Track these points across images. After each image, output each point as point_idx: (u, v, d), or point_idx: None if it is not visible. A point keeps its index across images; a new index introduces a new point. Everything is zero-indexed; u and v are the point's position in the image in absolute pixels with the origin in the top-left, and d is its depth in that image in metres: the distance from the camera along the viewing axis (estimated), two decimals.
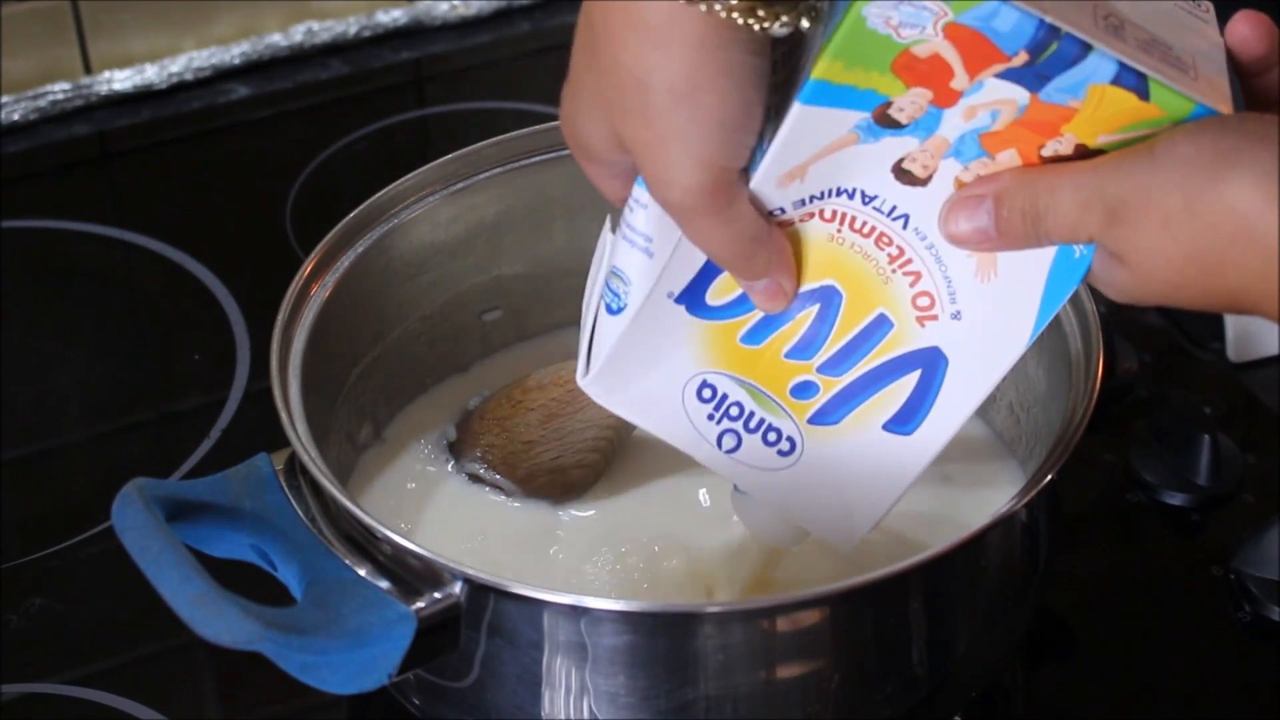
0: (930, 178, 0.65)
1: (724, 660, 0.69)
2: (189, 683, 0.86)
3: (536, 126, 0.88)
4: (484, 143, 0.88)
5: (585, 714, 0.71)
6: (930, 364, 0.69)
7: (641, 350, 0.70)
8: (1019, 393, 0.84)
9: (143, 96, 1.27)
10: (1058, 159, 0.63)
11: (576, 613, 0.69)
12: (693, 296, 0.69)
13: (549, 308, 0.93)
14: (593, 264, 0.73)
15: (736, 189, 0.65)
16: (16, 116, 1.23)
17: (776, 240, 0.67)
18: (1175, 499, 0.91)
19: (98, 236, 1.15)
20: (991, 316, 0.67)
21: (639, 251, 0.68)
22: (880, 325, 0.69)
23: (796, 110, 0.63)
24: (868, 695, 0.72)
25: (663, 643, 0.69)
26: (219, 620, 0.66)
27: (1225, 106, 0.61)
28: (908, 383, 0.69)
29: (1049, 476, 0.71)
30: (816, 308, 0.69)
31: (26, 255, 1.14)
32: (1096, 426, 0.74)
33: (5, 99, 1.23)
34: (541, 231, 0.91)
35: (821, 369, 0.70)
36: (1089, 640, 0.86)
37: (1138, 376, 0.98)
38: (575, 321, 0.92)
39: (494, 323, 0.92)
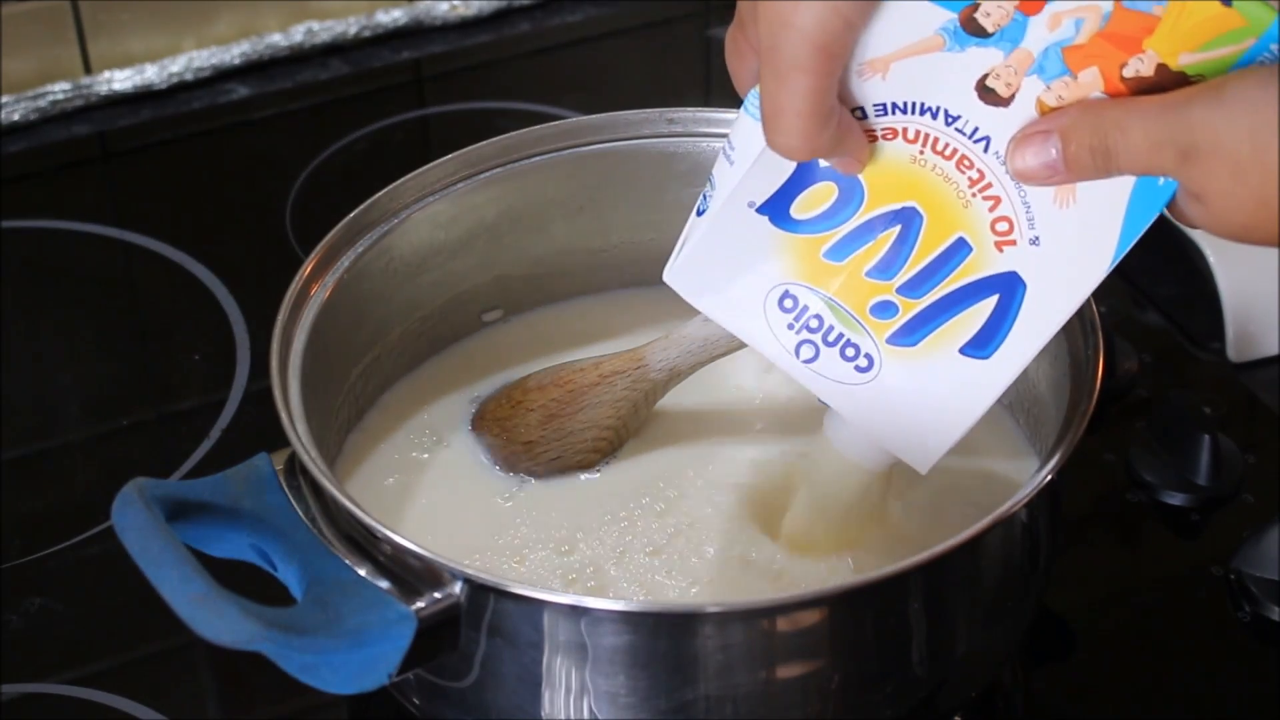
0: (1013, 97, 0.66)
1: (724, 660, 0.69)
2: (189, 683, 0.86)
3: (536, 126, 0.88)
4: (484, 143, 0.88)
5: (585, 714, 0.71)
6: (1008, 289, 0.70)
7: (724, 254, 0.72)
8: (1019, 393, 0.84)
9: (143, 96, 1.27)
10: (1138, 80, 0.64)
11: (576, 613, 0.69)
12: (777, 208, 0.71)
13: (549, 308, 0.93)
14: None
15: (843, 59, 0.65)
16: (16, 116, 1.23)
17: (846, 124, 0.67)
18: (1175, 499, 0.91)
19: (98, 236, 1.15)
20: (1071, 242, 0.68)
21: (724, 159, 0.71)
22: (959, 249, 0.70)
23: None
24: (868, 695, 0.72)
25: (663, 643, 0.69)
26: (219, 620, 0.65)
27: None
28: (985, 307, 0.70)
29: (1049, 476, 0.71)
30: (898, 229, 0.70)
31: (26, 255, 1.14)
32: (1096, 426, 0.74)
33: (5, 99, 1.23)
34: (541, 231, 0.91)
35: (901, 290, 0.71)
36: (1089, 640, 0.86)
37: (1138, 376, 0.98)
38: (577, 326, 0.93)
39: (494, 323, 0.92)
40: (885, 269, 0.71)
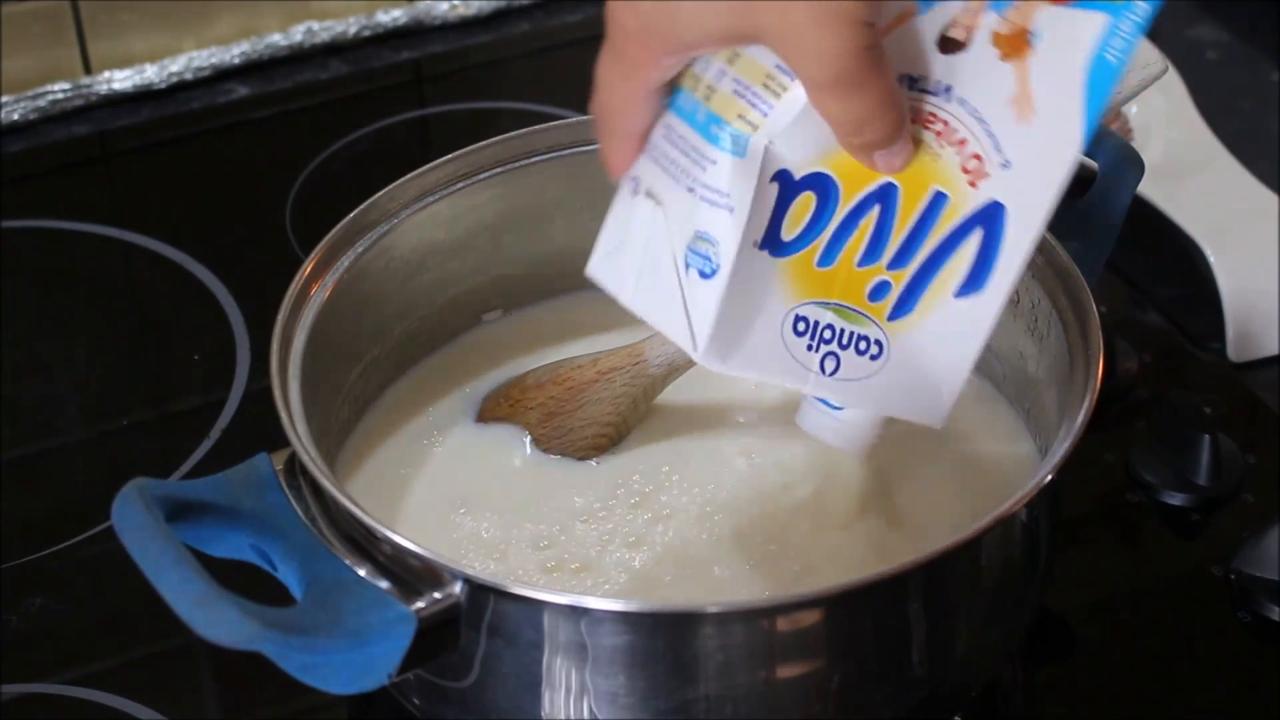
0: (970, 39, 0.66)
1: (724, 660, 0.69)
2: (189, 683, 0.86)
3: (536, 126, 0.88)
4: (484, 143, 0.88)
5: (585, 714, 0.71)
6: (990, 218, 0.68)
7: (740, 306, 0.70)
8: (1020, 391, 0.84)
9: (143, 96, 1.27)
10: None
11: (576, 613, 0.69)
12: (771, 238, 0.70)
13: (549, 308, 0.93)
14: (612, 233, 0.73)
15: (883, 47, 0.64)
16: (16, 116, 1.23)
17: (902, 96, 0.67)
18: (1175, 499, 0.91)
19: (98, 236, 1.15)
20: (1039, 150, 0.67)
21: (721, 210, 0.69)
22: (937, 202, 0.69)
23: None
24: (868, 695, 0.72)
25: (663, 643, 0.69)
26: (219, 620, 0.66)
27: None
28: (971, 245, 0.69)
29: (1049, 476, 0.71)
30: (877, 209, 0.69)
31: (26, 255, 1.14)
32: (1096, 426, 0.74)
33: (5, 99, 1.23)
34: (541, 231, 0.91)
35: (890, 265, 0.70)
36: (1089, 640, 0.86)
37: (1138, 376, 0.98)
38: (574, 321, 0.93)
39: (493, 323, 0.92)
40: (873, 253, 0.70)
